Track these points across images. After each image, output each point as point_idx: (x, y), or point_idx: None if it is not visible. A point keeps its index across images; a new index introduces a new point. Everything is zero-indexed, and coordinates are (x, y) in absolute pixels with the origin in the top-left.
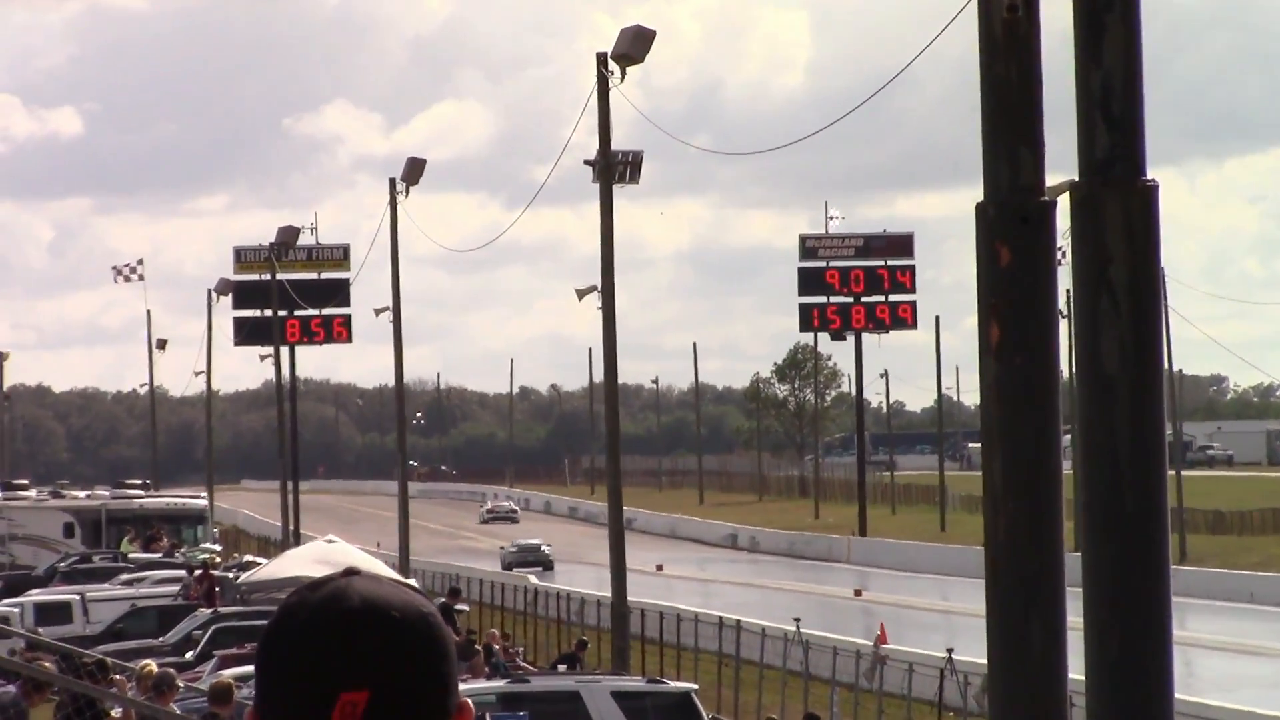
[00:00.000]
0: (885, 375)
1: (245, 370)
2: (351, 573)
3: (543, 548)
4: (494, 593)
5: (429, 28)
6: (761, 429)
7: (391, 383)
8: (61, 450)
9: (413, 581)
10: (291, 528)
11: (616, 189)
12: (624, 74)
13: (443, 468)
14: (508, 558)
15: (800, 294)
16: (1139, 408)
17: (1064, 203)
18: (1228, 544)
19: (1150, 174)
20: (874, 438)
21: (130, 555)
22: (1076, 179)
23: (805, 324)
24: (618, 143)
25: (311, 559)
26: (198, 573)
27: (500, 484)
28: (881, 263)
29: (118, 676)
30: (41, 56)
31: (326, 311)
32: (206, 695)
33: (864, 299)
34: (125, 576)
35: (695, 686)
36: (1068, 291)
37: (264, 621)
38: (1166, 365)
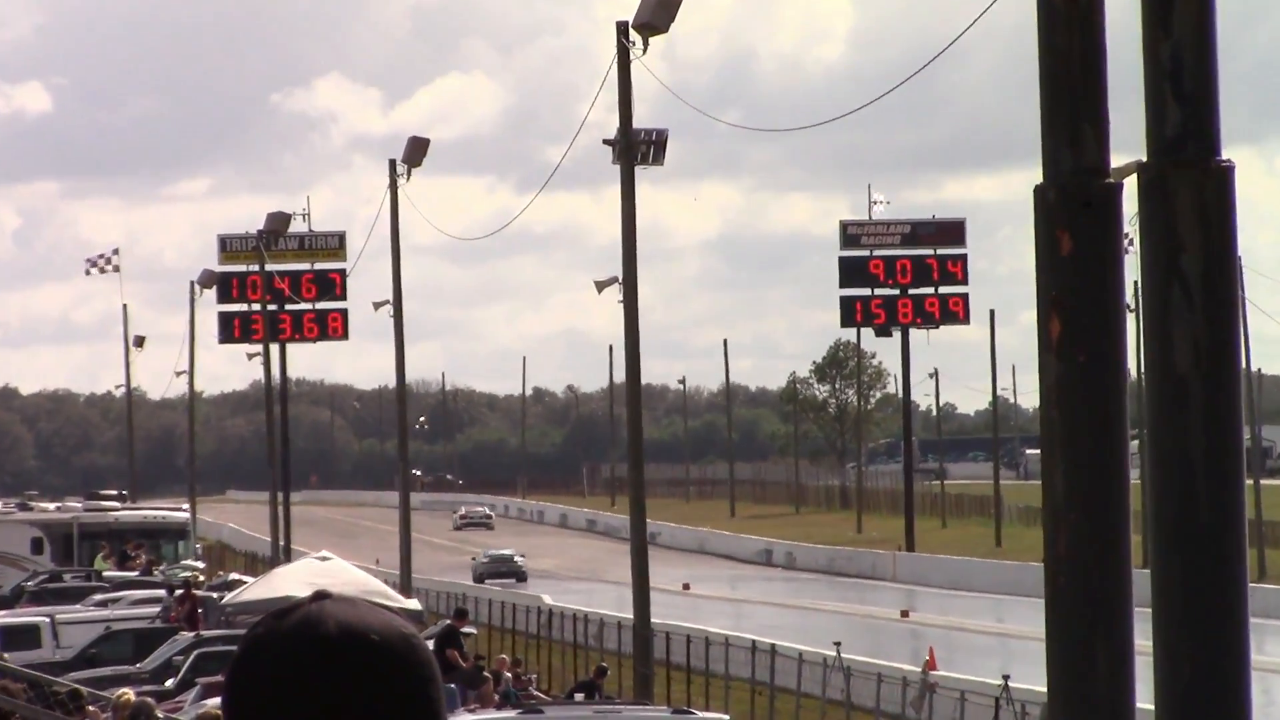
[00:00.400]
0: (935, 375)
1: (231, 370)
2: (321, 596)
3: (515, 558)
4: (504, 614)
5: None
6: (799, 434)
7: (392, 384)
8: (29, 457)
9: (414, 603)
10: (282, 543)
11: (639, 171)
12: (647, 44)
13: (448, 476)
14: (479, 569)
15: (841, 286)
16: (1214, 410)
17: (1131, 185)
18: None
19: (1225, 154)
20: (922, 444)
21: (105, 573)
22: (1145, 160)
23: (847, 319)
24: (640, 120)
25: (303, 577)
26: (179, 592)
27: (511, 494)
28: (930, 251)
29: (91, 707)
30: (5, 26)
31: (320, 306)
32: None
33: (911, 291)
34: (99, 597)
35: (726, 717)
36: (1135, 283)
37: None
38: (1244, 364)
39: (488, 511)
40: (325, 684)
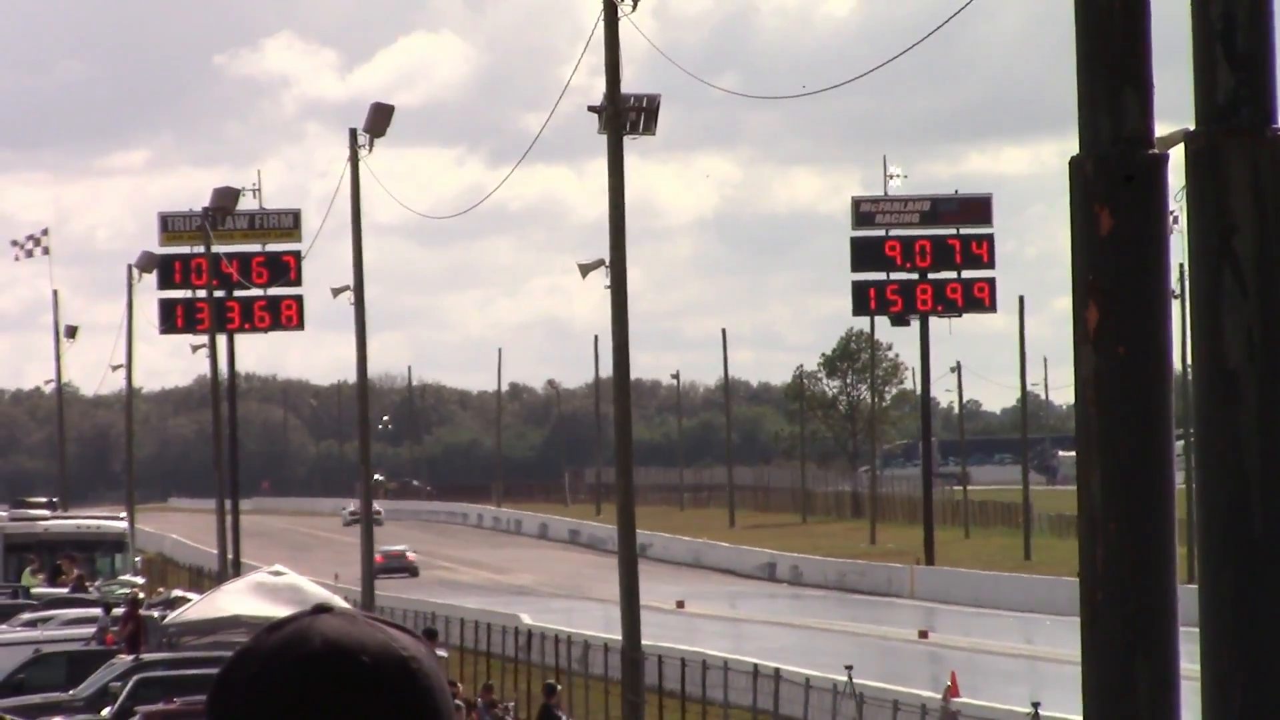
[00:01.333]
0: (957, 369)
1: (173, 364)
2: (322, 609)
3: (407, 554)
4: (478, 635)
5: None
6: (805, 434)
7: (352, 378)
8: None
9: None
10: (230, 556)
11: (627, 141)
12: (636, 1)
13: (415, 483)
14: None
15: (853, 270)
16: (1269, 408)
17: (1177, 156)
18: None
19: None
20: (943, 445)
21: (34, 590)
22: (1193, 128)
23: (859, 306)
24: (629, 84)
25: (253, 594)
26: (121, 611)
27: (486, 502)
28: (952, 231)
29: None
30: None
31: (273, 292)
32: None
33: (931, 275)
34: (28, 616)
35: None
36: (1182, 266)
37: (194, 671)
38: None
39: (377, 507)
40: (303, 705)
